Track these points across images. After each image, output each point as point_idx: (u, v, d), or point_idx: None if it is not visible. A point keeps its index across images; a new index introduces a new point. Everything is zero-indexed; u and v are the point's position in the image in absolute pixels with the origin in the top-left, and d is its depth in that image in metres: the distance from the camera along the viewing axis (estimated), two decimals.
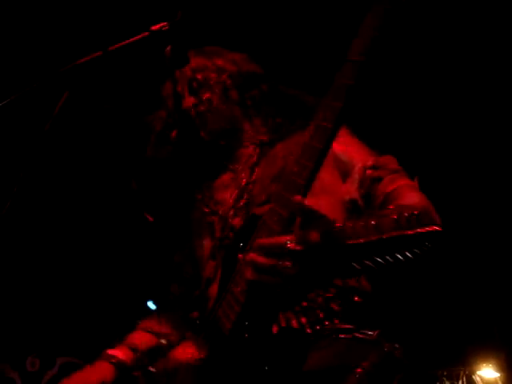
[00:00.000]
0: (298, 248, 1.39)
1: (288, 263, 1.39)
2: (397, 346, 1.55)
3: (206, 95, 1.94)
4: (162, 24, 1.68)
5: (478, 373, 3.70)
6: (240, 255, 1.61)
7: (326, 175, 1.70)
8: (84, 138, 2.72)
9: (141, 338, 1.95)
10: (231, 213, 1.86)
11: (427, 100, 3.29)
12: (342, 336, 1.56)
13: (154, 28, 1.67)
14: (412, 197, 1.62)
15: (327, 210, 1.59)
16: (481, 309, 3.71)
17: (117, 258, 3.75)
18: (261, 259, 1.41)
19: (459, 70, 3.18)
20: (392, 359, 1.51)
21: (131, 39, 1.64)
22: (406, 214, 1.48)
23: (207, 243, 1.89)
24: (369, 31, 1.45)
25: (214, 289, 1.76)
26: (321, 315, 1.60)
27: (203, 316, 1.79)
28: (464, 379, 3.77)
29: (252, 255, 1.43)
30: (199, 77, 1.95)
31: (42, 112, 1.50)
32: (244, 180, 1.88)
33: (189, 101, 1.94)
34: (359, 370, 1.40)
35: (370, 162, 1.72)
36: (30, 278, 3.65)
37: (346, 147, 1.82)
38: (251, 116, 1.96)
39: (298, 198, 1.40)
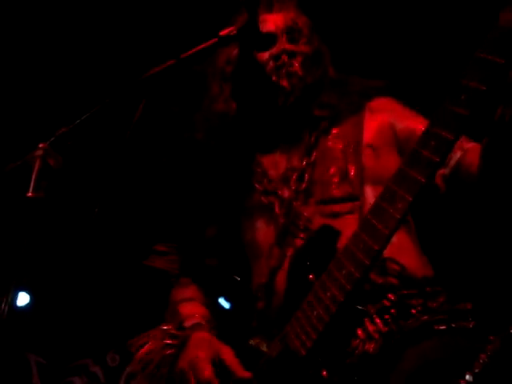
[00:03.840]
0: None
1: None
2: None
3: (301, 49, 1.89)
4: (229, 29, 1.73)
5: None
6: (311, 275, 1.59)
7: (390, 158, 1.70)
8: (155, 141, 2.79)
9: None
10: (293, 196, 1.82)
11: None
12: (438, 328, 1.53)
13: (222, 33, 1.72)
14: None
15: None
16: None
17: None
18: None
19: None
20: None
21: (201, 46, 1.70)
22: None
23: (269, 228, 1.84)
24: None
25: (280, 281, 1.75)
26: (392, 311, 1.60)
27: (268, 310, 1.78)
28: None
29: None
30: (300, 26, 1.90)
31: (122, 120, 1.58)
32: (304, 161, 1.84)
33: (287, 47, 1.88)
34: (483, 355, 1.36)
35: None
36: (110, 279, 3.77)
37: (404, 122, 1.80)
38: (317, 96, 1.89)
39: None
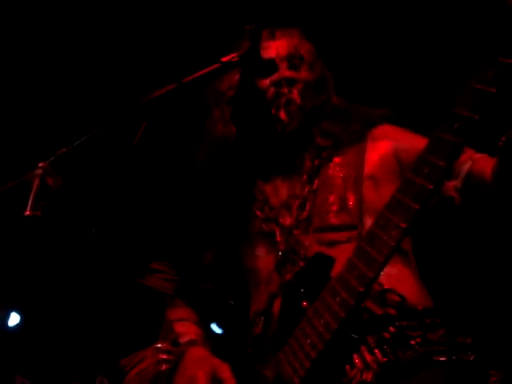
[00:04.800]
0: None
1: None
2: None
3: (301, 76, 1.89)
4: (231, 55, 1.75)
5: None
6: (304, 303, 1.59)
7: (392, 189, 1.70)
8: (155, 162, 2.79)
9: None
10: (294, 224, 1.82)
11: None
12: (437, 359, 1.53)
13: (224, 59, 1.74)
14: None
15: None
16: None
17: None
18: None
19: None
20: None
21: (203, 71, 1.71)
22: None
23: (269, 255, 1.84)
24: None
25: (277, 308, 1.73)
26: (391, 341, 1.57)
27: (264, 337, 1.76)
28: None
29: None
30: (302, 52, 1.91)
31: (122, 142, 1.59)
32: (306, 189, 1.85)
33: (287, 74, 1.89)
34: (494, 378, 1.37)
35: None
36: (100, 302, 3.75)
37: (409, 147, 1.76)
38: (319, 122, 1.90)
39: None
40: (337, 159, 1.88)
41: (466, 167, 1.65)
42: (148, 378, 1.78)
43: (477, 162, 1.65)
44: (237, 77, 1.91)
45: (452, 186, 1.67)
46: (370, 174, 1.83)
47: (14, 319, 3.72)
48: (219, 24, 2.71)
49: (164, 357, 1.78)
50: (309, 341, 1.50)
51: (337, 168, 1.86)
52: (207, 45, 2.61)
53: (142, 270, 2.03)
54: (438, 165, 1.35)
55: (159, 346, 1.83)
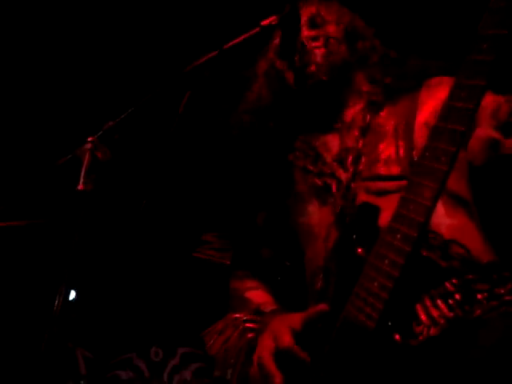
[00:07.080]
0: None
1: None
2: None
3: (324, 31, 1.94)
4: (271, 18, 1.73)
5: None
6: (359, 249, 1.56)
7: None
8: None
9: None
10: (350, 178, 1.80)
11: None
12: (509, 310, 1.51)
13: (264, 23, 1.72)
14: None
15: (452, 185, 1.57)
16: None
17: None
18: None
19: None
20: None
21: (243, 36, 1.70)
22: None
23: (323, 210, 1.83)
24: None
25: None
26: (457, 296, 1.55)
27: (327, 291, 1.70)
28: None
29: None
30: (323, 13, 1.97)
31: (167, 113, 1.59)
32: (360, 142, 1.83)
33: (307, 34, 1.93)
34: None
35: (502, 97, 1.62)
36: (152, 276, 3.82)
37: None
38: (360, 69, 1.93)
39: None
40: (388, 108, 1.85)
41: None
42: (235, 346, 1.80)
43: None
44: (277, 40, 1.91)
45: None
46: (424, 122, 1.78)
47: (71, 294, 3.81)
48: None
49: (250, 325, 1.80)
50: (376, 284, 1.46)
51: (387, 117, 1.84)
52: (247, 11, 2.58)
53: (195, 243, 2.05)
54: (476, 85, 1.36)
55: (238, 316, 1.85)
